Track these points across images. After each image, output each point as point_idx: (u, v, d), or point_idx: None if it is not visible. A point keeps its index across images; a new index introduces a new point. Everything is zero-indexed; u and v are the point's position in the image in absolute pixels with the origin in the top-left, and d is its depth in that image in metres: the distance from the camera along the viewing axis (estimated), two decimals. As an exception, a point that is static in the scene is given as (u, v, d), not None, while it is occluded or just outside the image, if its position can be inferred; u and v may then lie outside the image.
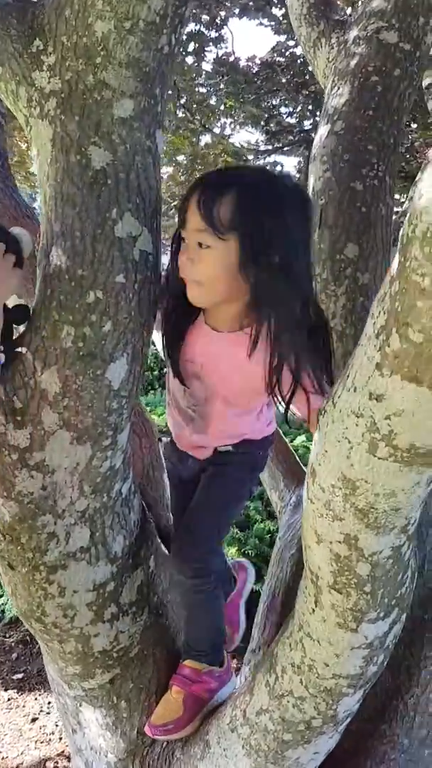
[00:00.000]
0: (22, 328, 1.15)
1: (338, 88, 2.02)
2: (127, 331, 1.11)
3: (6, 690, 2.68)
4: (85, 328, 1.08)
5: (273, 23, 4.45)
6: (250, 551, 2.97)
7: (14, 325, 1.16)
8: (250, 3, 4.18)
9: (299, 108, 5.15)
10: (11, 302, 1.15)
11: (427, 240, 0.61)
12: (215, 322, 1.17)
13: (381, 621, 0.93)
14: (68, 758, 2.28)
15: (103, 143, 1.05)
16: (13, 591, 1.23)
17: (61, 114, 1.05)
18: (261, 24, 4.56)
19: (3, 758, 2.30)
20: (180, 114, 5.30)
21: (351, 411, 0.76)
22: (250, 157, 5.75)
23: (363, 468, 0.77)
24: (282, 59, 4.78)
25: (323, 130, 2.05)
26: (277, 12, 4.35)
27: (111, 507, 1.23)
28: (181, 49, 4.93)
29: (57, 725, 2.48)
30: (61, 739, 2.40)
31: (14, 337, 1.14)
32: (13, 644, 2.98)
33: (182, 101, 5.00)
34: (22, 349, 1.10)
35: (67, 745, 2.34)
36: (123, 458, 1.23)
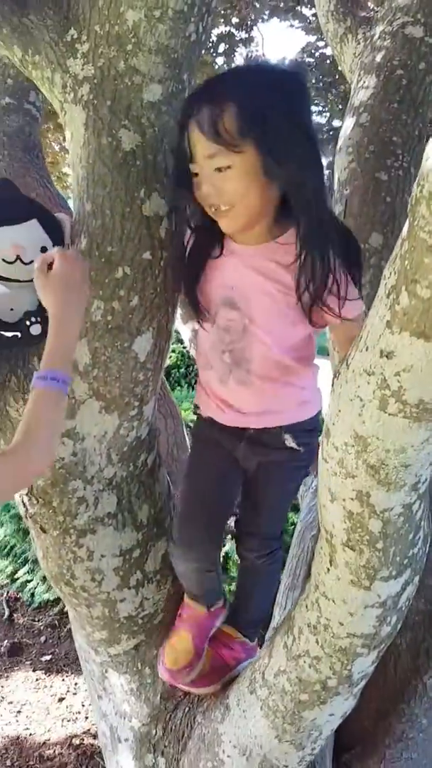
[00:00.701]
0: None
1: (364, 82, 2.05)
2: (153, 306, 1.16)
3: (35, 671, 2.76)
4: (114, 302, 1.13)
5: (303, 24, 4.50)
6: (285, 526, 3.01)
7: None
8: (280, 4, 4.23)
9: (329, 106, 5.19)
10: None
11: (429, 201, 0.65)
12: (245, 239, 1.11)
13: (393, 580, 0.96)
14: (94, 736, 2.34)
15: (132, 126, 1.11)
16: (45, 554, 1.29)
17: (94, 99, 1.11)
18: (291, 26, 4.61)
19: (30, 734, 2.37)
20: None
21: (363, 370, 0.80)
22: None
23: (374, 425, 0.81)
24: (312, 59, 4.82)
25: (349, 122, 2.09)
26: (307, 12, 4.39)
27: (137, 476, 1.29)
28: (212, 51, 5.02)
29: (83, 705, 2.54)
30: (87, 718, 2.47)
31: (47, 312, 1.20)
32: (42, 628, 3.06)
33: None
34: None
35: (93, 724, 2.40)
36: (148, 430, 1.29)
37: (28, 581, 3.22)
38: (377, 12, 2.20)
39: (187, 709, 1.40)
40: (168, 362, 5.03)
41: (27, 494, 1.22)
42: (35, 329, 1.16)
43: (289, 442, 1.21)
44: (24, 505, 1.25)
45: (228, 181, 1.02)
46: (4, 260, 1.11)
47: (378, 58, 2.02)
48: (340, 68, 2.41)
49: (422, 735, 1.66)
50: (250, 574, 1.43)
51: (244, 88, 1.00)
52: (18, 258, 1.11)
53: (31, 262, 1.12)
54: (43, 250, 1.13)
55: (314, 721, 1.15)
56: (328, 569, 1.00)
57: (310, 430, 1.24)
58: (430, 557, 1.82)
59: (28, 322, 1.16)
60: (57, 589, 1.35)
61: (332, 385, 0.90)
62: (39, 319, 1.16)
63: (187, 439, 1.81)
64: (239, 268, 1.12)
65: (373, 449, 0.82)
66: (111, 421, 1.20)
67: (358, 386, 0.81)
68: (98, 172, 1.11)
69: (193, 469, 1.34)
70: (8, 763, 2.23)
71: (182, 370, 6.34)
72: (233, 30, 4.62)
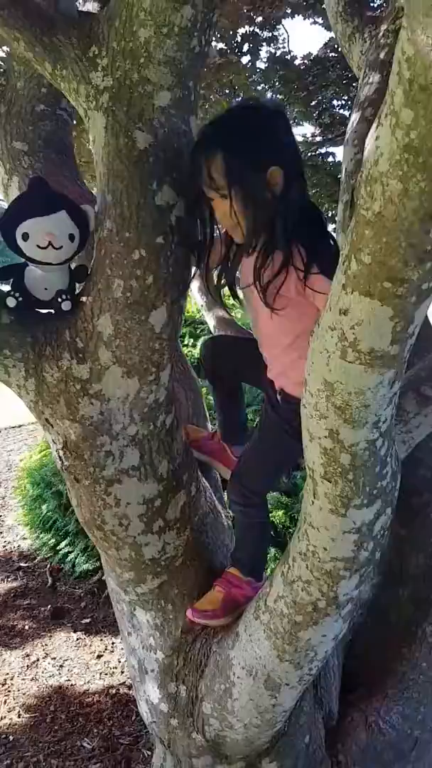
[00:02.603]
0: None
1: (369, 78, 2.20)
2: (166, 283, 1.34)
3: (75, 632, 2.99)
4: (132, 281, 1.32)
5: (324, 21, 4.60)
6: (296, 515, 3.18)
7: (76, 282, 1.42)
8: (302, 2, 4.36)
9: (350, 101, 5.29)
10: (74, 263, 1.42)
11: (368, 183, 0.82)
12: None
13: (366, 508, 1.13)
14: (128, 687, 2.55)
15: (145, 128, 1.29)
16: (79, 502, 1.49)
17: (112, 105, 1.30)
18: (315, 22, 4.73)
19: (72, 685, 2.60)
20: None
21: (328, 326, 0.97)
22: (303, 149, 5.94)
23: (338, 372, 0.98)
24: (334, 54, 4.93)
25: (355, 116, 2.24)
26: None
27: (156, 434, 1.47)
28: (237, 50, 5.18)
29: (119, 661, 2.76)
30: (122, 672, 2.68)
31: (76, 291, 1.40)
32: (82, 594, 3.30)
33: (238, 99, 5.21)
34: (84, 299, 1.36)
35: (128, 677, 2.61)
36: (166, 394, 1.47)
37: (69, 552, 3.46)
38: (382, 12, 2.34)
39: (204, 640, 1.58)
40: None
41: (63, 448, 1.42)
42: (66, 305, 1.36)
43: (278, 397, 1.47)
44: (60, 458, 1.45)
45: (220, 209, 1.30)
46: (38, 246, 1.31)
47: (382, 55, 2.17)
48: (349, 65, 2.55)
49: (422, 677, 1.82)
50: (238, 525, 1.63)
51: (235, 144, 1.24)
52: (50, 244, 1.30)
53: (61, 247, 1.32)
54: (71, 237, 1.33)
55: (309, 641, 1.32)
56: (312, 501, 1.17)
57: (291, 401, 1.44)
58: (427, 516, 1.98)
59: (59, 300, 1.35)
60: (90, 533, 1.55)
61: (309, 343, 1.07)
62: (69, 296, 1.36)
63: (205, 409, 1.99)
64: (245, 269, 1.39)
65: (339, 392, 0.99)
66: (132, 385, 1.38)
67: (325, 340, 0.98)
68: (117, 168, 1.30)
69: None
70: (52, 708, 2.46)
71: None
72: (257, 30, 4.76)
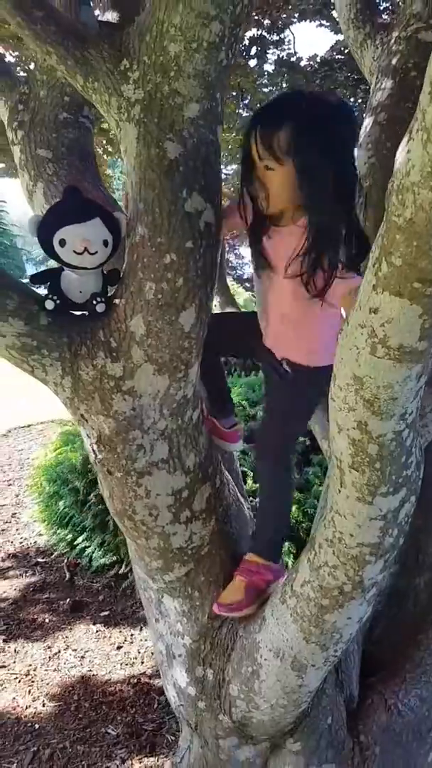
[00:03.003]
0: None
1: (381, 84, 2.26)
2: (195, 285, 1.41)
3: (95, 624, 3.07)
4: (163, 283, 1.39)
5: (331, 24, 4.68)
6: (309, 509, 3.25)
7: (109, 286, 1.49)
8: (310, 6, 4.43)
9: (358, 102, 5.36)
10: (107, 268, 1.49)
11: (400, 191, 0.89)
12: (277, 221, 1.46)
13: (392, 496, 1.20)
14: (149, 676, 2.63)
15: (176, 138, 1.36)
16: (111, 494, 1.56)
17: (144, 117, 1.36)
18: (321, 25, 4.80)
19: (93, 675, 2.67)
20: (244, 114, 5.60)
21: (358, 324, 1.03)
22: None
23: (367, 367, 1.04)
24: (341, 56, 5.00)
25: (368, 120, 2.30)
26: (335, 13, 4.55)
27: (184, 429, 1.54)
28: (244, 53, 5.24)
29: (139, 652, 2.83)
30: (142, 662, 2.75)
31: (110, 294, 1.47)
32: (99, 588, 3.37)
33: (246, 102, 5.29)
34: (117, 301, 1.43)
35: (148, 667, 2.69)
36: (193, 390, 1.54)
37: (87, 547, 3.53)
38: (393, 19, 2.41)
39: (230, 625, 1.65)
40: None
41: (97, 442, 1.49)
42: (100, 308, 1.43)
43: (285, 366, 1.59)
44: (94, 452, 1.52)
45: (270, 178, 1.37)
46: (74, 252, 1.38)
47: (394, 62, 2.23)
48: (361, 71, 2.62)
49: (439, 661, 1.89)
50: (260, 489, 1.71)
51: (304, 118, 1.31)
52: (86, 250, 1.38)
53: (96, 252, 1.39)
54: (105, 243, 1.40)
55: (335, 624, 1.39)
56: (339, 490, 1.24)
57: (308, 369, 1.56)
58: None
59: (94, 302, 1.42)
60: (120, 524, 1.62)
61: (337, 340, 1.14)
62: (103, 299, 1.43)
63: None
64: (272, 240, 1.47)
65: (368, 386, 1.06)
66: (162, 382, 1.46)
67: (354, 337, 1.05)
68: (148, 177, 1.37)
69: None
70: (75, 697, 2.54)
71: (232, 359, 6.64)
72: (265, 33, 4.83)
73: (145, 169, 1.37)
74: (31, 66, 2.15)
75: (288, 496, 1.74)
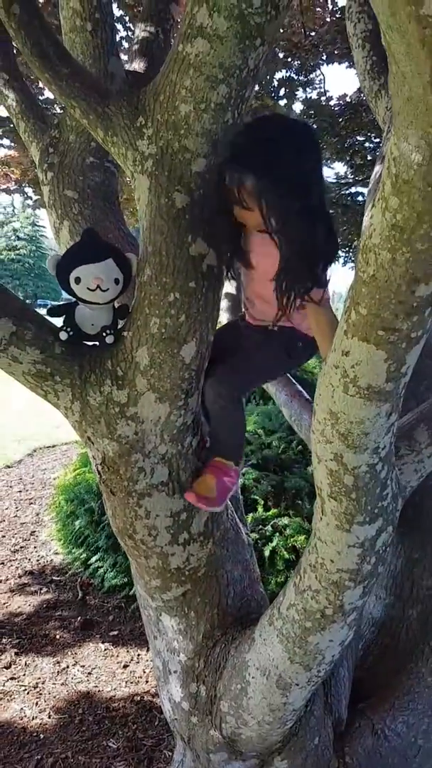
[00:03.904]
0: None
1: (386, 148, 2.39)
2: (196, 322, 1.53)
3: (103, 642, 3.15)
4: (167, 319, 1.51)
5: (357, 67, 4.83)
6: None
7: (119, 319, 1.62)
8: (335, 51, 4.61)
9: (382, 144, 5.48)
10: (117, 303, 1.62)
11: (364, 251, 1.00)
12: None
13: (368, 525, 1.29)
14: (153, 695, 2.70)
15: (183, 190, 1.49)
16: (113, 513, 1.67)
17: (156, 170, 1.50)
18: (349, 66, 4.96)
19: (99, 691, 2.75)
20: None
21: (333, 365, 1.14)
22: (334, 188, 6.16)
23: (341, 404, 1.15)
24: (366, 98, 5.14)
25: (377, 168, 2.43)
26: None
27: (184, 454, 1.65)
28: (273, 95, 5.43)
29: (144, 671, 2.91)
30: (147, 681, 2.83)
31: (119, 327, 1.60)
32: (110, 608, 3.47)
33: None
34: (125, 333, 1.55)
35: (152, 686, 2.76)
36: (193, 418, 1.65)
37: (99, 567, 3.63)
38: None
39: (223, 645, 1.74)
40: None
41: (101, 464, 1.61)
42: (109, 339, 1.56)
43: (273, 327, 1.71)
44: (99, 472, 1.64)
45: (242, 216, 1.50)
46: (88, 288, 1.51)
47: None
48: (375, 119, 2.74)
49: (427, 690, 1.93)
50: (217, 419, 1.75)
51: (267, 169, 1.40)
52: (98, 287, 1.51)
53: (108, 289, 1.52)
54: (116, 281, 1.53)
55: (317, 645, 1.47)
56: (321, 518, 1.33)
57: (292, 329, 1.70)
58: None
59: (104, 334, 1.55)
60: (122, 542, 1.73)
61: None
62: (112, 331, 1.56)
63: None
64: (254, 241, 1.58)
65: (342, 421, 1.16)
66: (164, 409, 1.57)
67: (330, 377, 1.15)
68: (158, 223, 1.50)
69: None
70: (80, 711, 2.62)
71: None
72: (293, 74, 5.01)
73: (155, 216, 1.50)
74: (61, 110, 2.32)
75: (239, 418, 1.78)
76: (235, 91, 1.48)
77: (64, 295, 1.59)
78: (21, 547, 4.39)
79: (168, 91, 1.48)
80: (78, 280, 1.51)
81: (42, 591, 3.72)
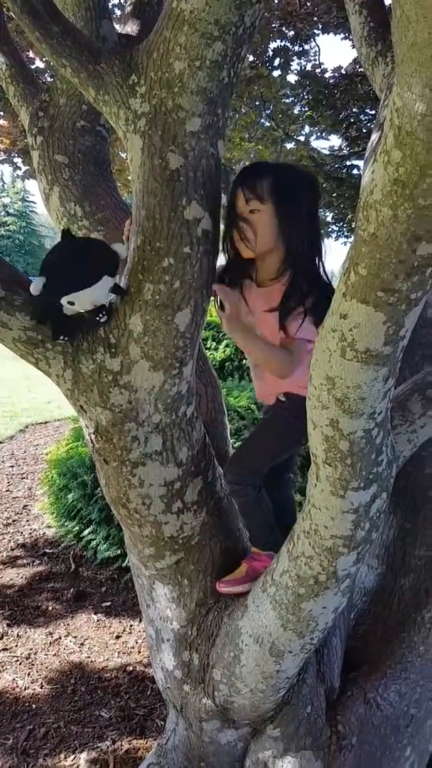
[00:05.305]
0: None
1: (389, 100, 2.34)
2: (191, 288, 1.50)
3: (96, 614, 3.16)
4: (161, 285, 1.48)
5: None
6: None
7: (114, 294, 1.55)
8: (333, 19, 4.51)
9: (379, 112, 5.40)
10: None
11: (364, 208, 0.97)
12: (261, 279, 1.65)
13: (363, 491, 1.27)
14: (145, 665, 2.71)
15: (177, 150, 1.45)
16: (107, 482, 1.65)
17: (149, 129, 1.46)
18: (345, 38, 4.88)
19: (91, 661, 2.77)
20: (266, 123, 5.69)
21: (331, 329, 1.12)
22: (329, 161, 6.09)
23: (338, 368, 1.13)
24: (363, 70, 5.05)
25: (375, 136, 2.39)
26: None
27: (178, 424, 1.63)
28: (267, 64, 5.34)
29: (137, 642, 2.92)
30: (139, 652, 2.84)
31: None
32: (103, 580, 3.48)
33: (268, 112, 5.39)
34: (118, 299, 1.51)
35: (144, 656, 2.78)
36: (187, 387, 1.63)
37: (92, 540, 3.64)
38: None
39: (216, 612, 1.74)
40: (223, 355, 5.41)
41: (94, 432, 1.59)
42: (104, 319, 1.50)
43: (281, 397, 1.74)
44: (92, 441, 1.62)
45: (254, 220, 1.55)
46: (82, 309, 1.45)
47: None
48: (371, 87, 2.69)
49: (419, 659, 1.95)
50: (240, 507, 1.79)
51: (281, 174, 1.57)
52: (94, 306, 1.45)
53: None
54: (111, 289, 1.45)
55: (311, 612, 1.47)
56: (315, 484, 1.32)
57: (296, 397, 1.66)
58: (430, 511, 2.11)
59: (98, 316, 1.48)
60: (116, 511, 1.72)
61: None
62: (106, 312, 1.49)
63: (224, 404, 2.15)
64: (256, 301, 1.65)
65: (339, 386, 1.14)
66: (158, 378, 1.55)
67: (327, 341, 1.13)
68: (151, 185, 1.46)
69: None
70: (72, 681, 2.63)
71: (235, 362, 6.71)
72: (288, 44, 4.92)
73: (147, 178, 1.47)
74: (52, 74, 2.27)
75: (263, 499, 1.77)
76: (230, 48, 1.44)
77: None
78: (13, 521, 4.38)
79: (162, 48, 1.44)
80: (72, 303, 1.42)
81: (34, 563, 3.72)
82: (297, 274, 1.56)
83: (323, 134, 6.03)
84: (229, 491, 1.76)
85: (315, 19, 4.98)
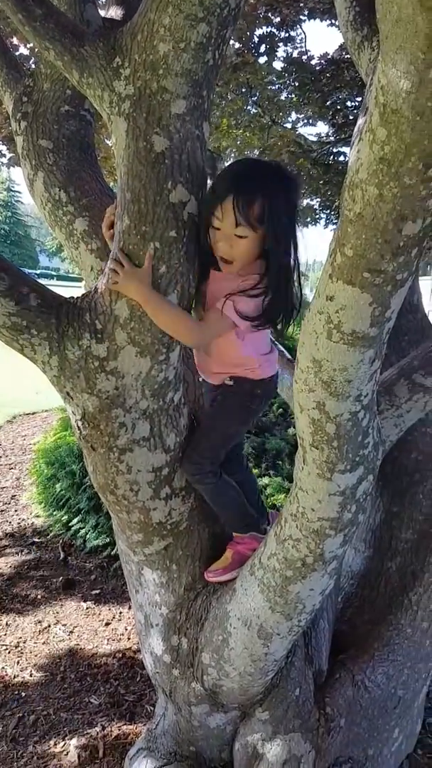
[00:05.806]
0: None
1: (374, 78, 2.33)
2: (177, 272, 1.49)
3: (85, 601, 3.16)
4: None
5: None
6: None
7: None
8: (318, 6, 4.48)
9: (365, 96, 5.38)
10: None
11: (350, 188, 0.97)
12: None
13: (349, 473, 1.28)
14: (135, 652, 2.72)
15: (162, 133, 1.44)
16: (94, 469, 1.65)
17: (133, 112, 1.44)
18: (331, 24, 4.85)
19: (81, 648, 2.77)
20: (252, 110, 5.66)
21: (317, 311, 1.12)
22: (315, 147, 6.07)
23: (324, 350, 1.13)
24: (349, 56, 5.03)
25: (360, 120, 2.38)
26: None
27: (165, 410, 1.63)
28: (253, 50, 5.31)
29: (126, 629, 2.93)
30: (129, 638, 2.85)
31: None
32: (92, 568, 3.48)
33: (254, 98, 5.35)
34: (103, 285, 1.50)
35: (134, 643, 2.78)
36: (174, 373, 1.62)
37: (81, 529, 3.63)
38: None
39: (204, 597, 1.74)
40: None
41: (81, 419, 1.58)
42: None
43: (227, 381, 1.70)
44: (79, 428, 1.61)
45: (240, 245, 1.48)
46: None
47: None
48: (358, 73, 2.68)
49: (406, 641, 1.97)
50: (206, 496, 1.74)
51: (273, 193, 1.46)
52: None
53: None
54: None
55: (298, 594, 1.48)
56: (302, 467, 1.32)
57: (245, 380, 1.67)
58: (416, 494, 2.12)
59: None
60: (104, 498, 1.71)
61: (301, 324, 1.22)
62: None
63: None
64: (213, 284, 1.59)
65: (325, 369, 1.14)
66: (144, 364, 1.54)
67: (314, 323, 1.13)
68: (136, 168, 1.45)
69: None
70: (62, 668, 2.64)
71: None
72: (274, 30, 4.88)
73: (132, 161, 1.45)
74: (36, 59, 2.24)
75: (228, 490, 1.75)
76: (215, 30, 1.43)
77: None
78: (1, 511, 4.37)
79: (146, 30, 1.43)
80: None
81: (23, 552, 3.71)
82: (272, 274, 1.52)
83: (310, 121, 6.01)
84: (191, 482, 1.71)
85: (301, 4, 4.93)
